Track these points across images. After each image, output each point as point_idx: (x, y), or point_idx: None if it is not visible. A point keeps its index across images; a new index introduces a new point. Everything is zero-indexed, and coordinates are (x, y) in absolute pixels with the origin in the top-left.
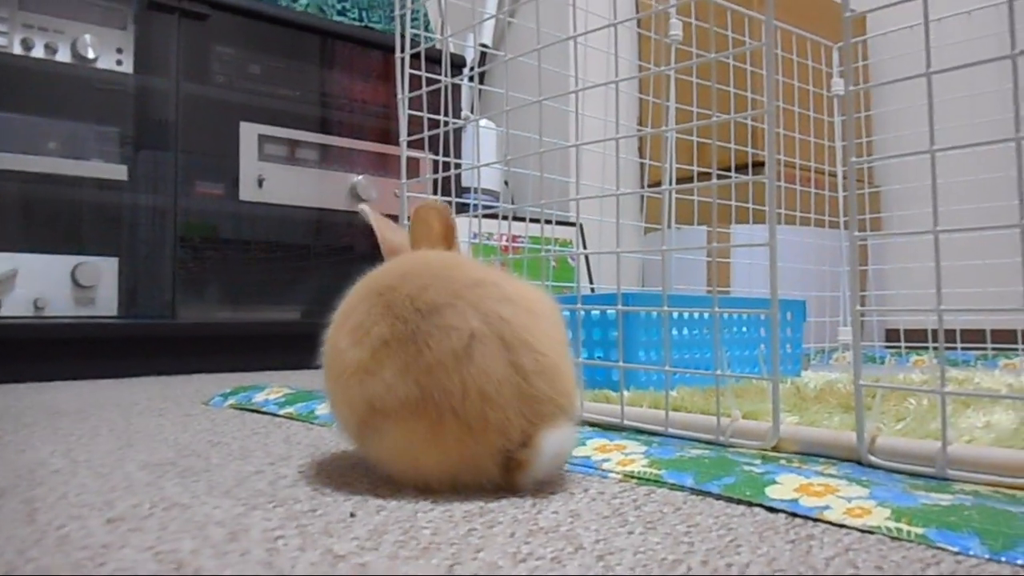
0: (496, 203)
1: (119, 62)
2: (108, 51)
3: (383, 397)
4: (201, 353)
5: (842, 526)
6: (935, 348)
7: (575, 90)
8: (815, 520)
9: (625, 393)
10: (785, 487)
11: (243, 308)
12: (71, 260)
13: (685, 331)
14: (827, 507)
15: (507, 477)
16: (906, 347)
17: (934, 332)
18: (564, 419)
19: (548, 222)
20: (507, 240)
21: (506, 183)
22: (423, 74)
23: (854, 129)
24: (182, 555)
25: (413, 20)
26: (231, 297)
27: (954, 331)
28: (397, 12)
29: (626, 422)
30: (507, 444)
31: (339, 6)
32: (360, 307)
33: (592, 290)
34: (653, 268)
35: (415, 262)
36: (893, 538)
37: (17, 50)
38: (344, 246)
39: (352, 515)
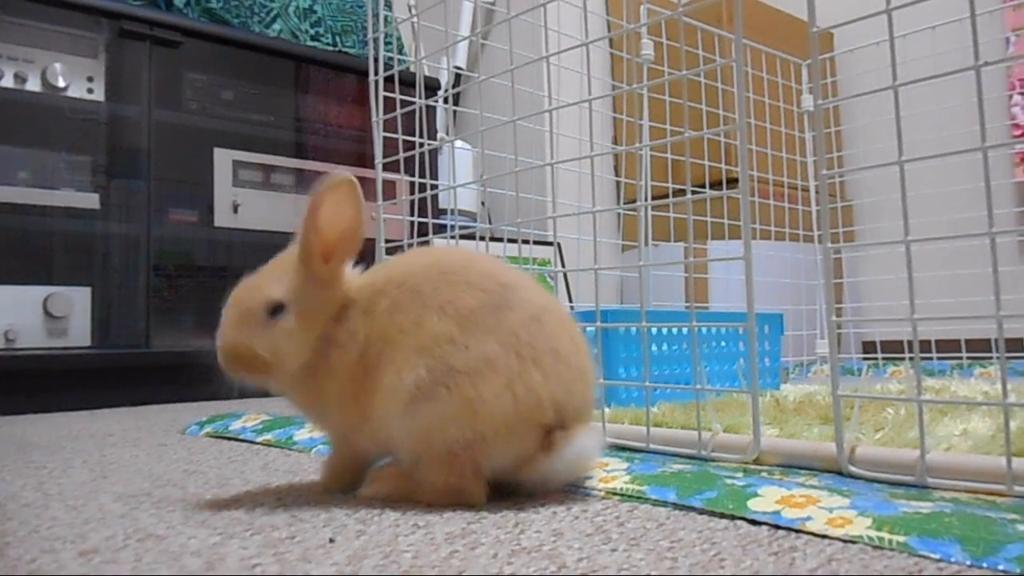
0: (473, 224)
1: (90, 90)
2: (79, 80)
3: (465, 358)
4: (176, 382)
5: (824, 536)
6: (911, 358)
7: (549, 109)
8: (797, 531)
9: (606, 410)
10: (767, 499)
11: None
12: (42, 291)
13: (665, 347)
14: (809, 518)
15: (537, 457)
16: (883, 359)
17: (910, 343)
18: (591, 420)
19: (526, 242)
20: None
21: (483, 204)
22: (397, 96)
23: (824, 143)
24: None
25: (387, 44)
26: (207, 325)
27: (929, 341)
28: (370, 36)
29: (608, 439)
30: (562, 409)
31: (312, 31)
32: (431, 287)
33: (571, 308)
34: (631, 285)
35: (446, 253)
36: (875, 547)
37: None
38: None
39: (331, 540)
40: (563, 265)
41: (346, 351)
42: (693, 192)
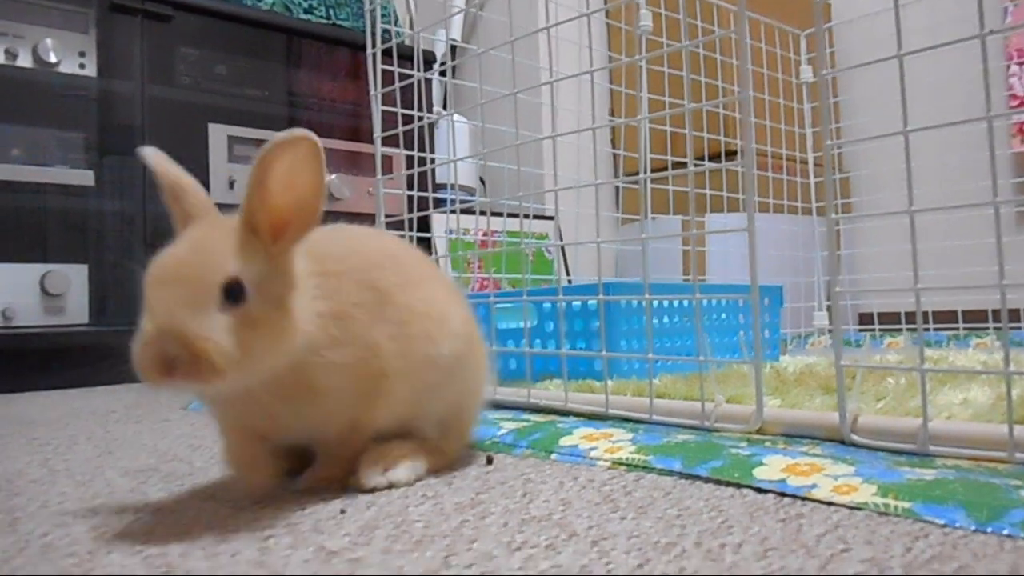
0: (465, 198)
1: (82, 66)
2: (71, 55)
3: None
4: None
5: (830, 503)
6: (914, 328)
7: (549, 81)
8: (803, 499)
9: (608, 382)
10: (772, 468)
11: None
12: (39, 268)
13: (665, 319)
14: (814, 486)
15: None
16: (880, 329)
17: (907, 314)
18: None
19: (526, 216)
20: (484, 235)
21: (481, 180)
22: (395, 69)
23: (829, 114)
24: (171, 558)
25: (383, 16)
26: None
27: (927, 312)
28: (367, 8)
29: (611, 411)
30: None
31: (305, 4)
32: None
33: (569, 282)
34: (628, 259)
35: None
36: (881, 513)
37: None
38: None
39: (342, 512)
40: (561, 239)
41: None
42: (695, 165)
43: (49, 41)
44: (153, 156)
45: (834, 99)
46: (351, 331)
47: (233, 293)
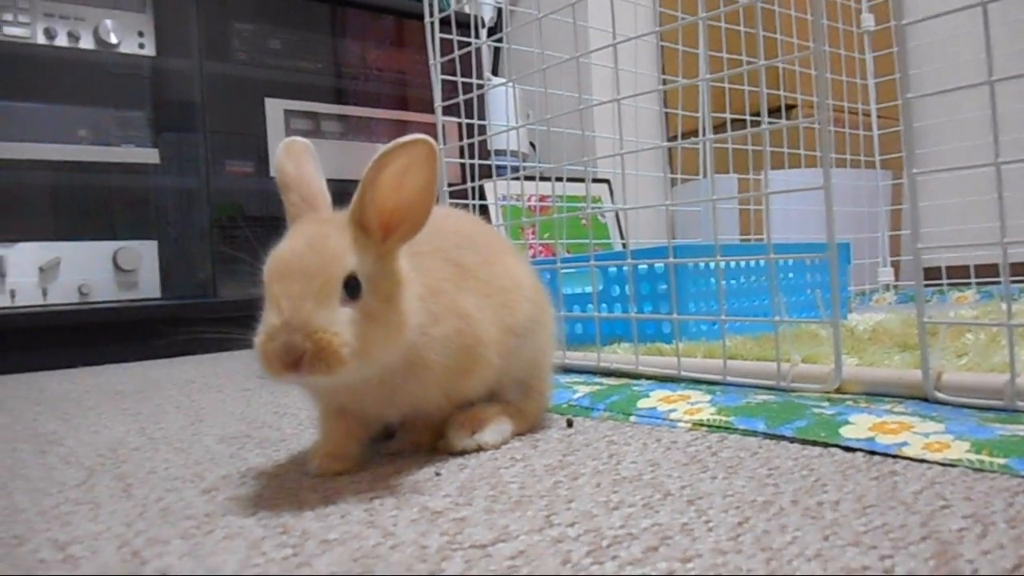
0: (527, 164)
1: (141, 45)
2: (130, 35)
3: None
4: (243, 329)
5: (923, 461)
6: (981, 283)
7: (611, 44)
8: (895, 456)
9: (679, 345)
10: (859, 427)
11: None
12: (112, 245)
13: (731, 281)
14: (905, 443)
15: None
16: (948, 284)
17: (976, 268)
18: None
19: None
20: (536, 200)
21: (532, 144)
22: (455, 38)
23: (906, 63)
24: (285, 519)
25: None
26: None
27: (995, 265)
28: None
29: (683, 373)
30: None
31: None
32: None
33: (624, 245)
34: (682, 220)
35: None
36: (976, 470)
37: (40, 40)
38: None
39: (437, 474)
40: (613, 202)
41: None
42: (754, 123)
43: (109, 22)
44: (285, 147)
45: (896, 48)
46: (445, 304)
47: (351, 288)
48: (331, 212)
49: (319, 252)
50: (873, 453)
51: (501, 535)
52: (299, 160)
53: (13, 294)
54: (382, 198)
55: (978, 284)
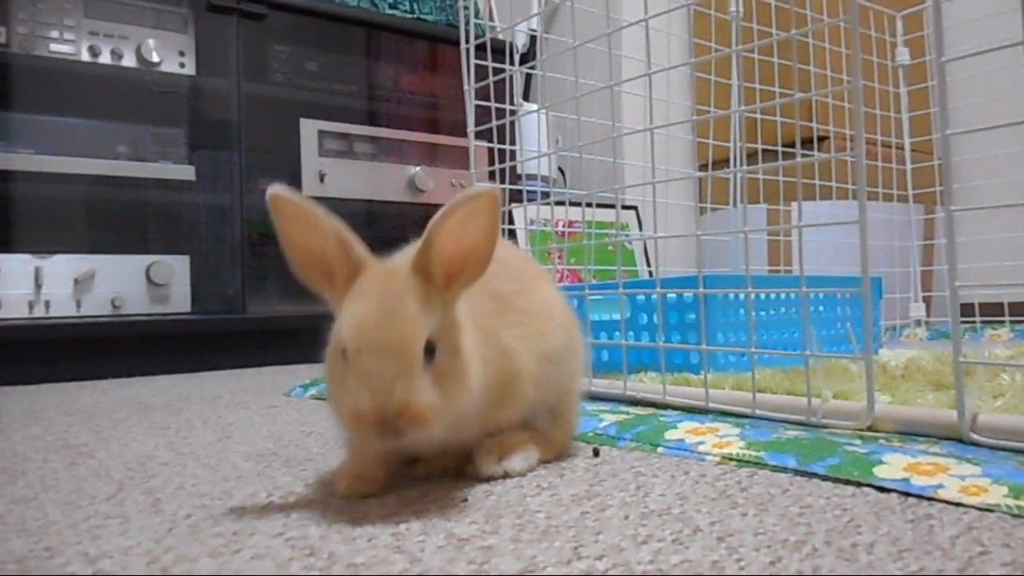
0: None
1: (182, 64)
2: (171, 54)
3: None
4: (270, 346)
5: (959, 504)
6: (1015, 321)
7: (648, 73)
8: (930, 499)
9: (708, 376)
10: (893, 467)
11: (308, 301)
12: (145, 259)
13: (761, 313)
14: (941, 486)
15: None
16: (981, 322)
17: (1011, 305)
18: None
19: (611, 206)
20: (563, 226)
21: (560, 169)
22: (489, 64)
23: (945, 98)
24: (312, 541)
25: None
26: (296, 291)
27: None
28: (460, 4)
29: (711, 404)
30: None
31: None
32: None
33: (650, 274)
34: (711, 249)
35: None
36: (1014, 515)
37: (85, 57)
38: (400, 237)
39: (464, 500)
40: (641, 230)
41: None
42: (785, 155)
43: (151, 41)
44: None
45: (931, 83)
46: (492, 345)
47: (428, 351)
48: (388, 267)
49: (400, 321)
50: (907, 495)
51: (529, 565)
52: (301, 220)
53: (48, 305)
54: (445, 245)
55: (1012, 322)
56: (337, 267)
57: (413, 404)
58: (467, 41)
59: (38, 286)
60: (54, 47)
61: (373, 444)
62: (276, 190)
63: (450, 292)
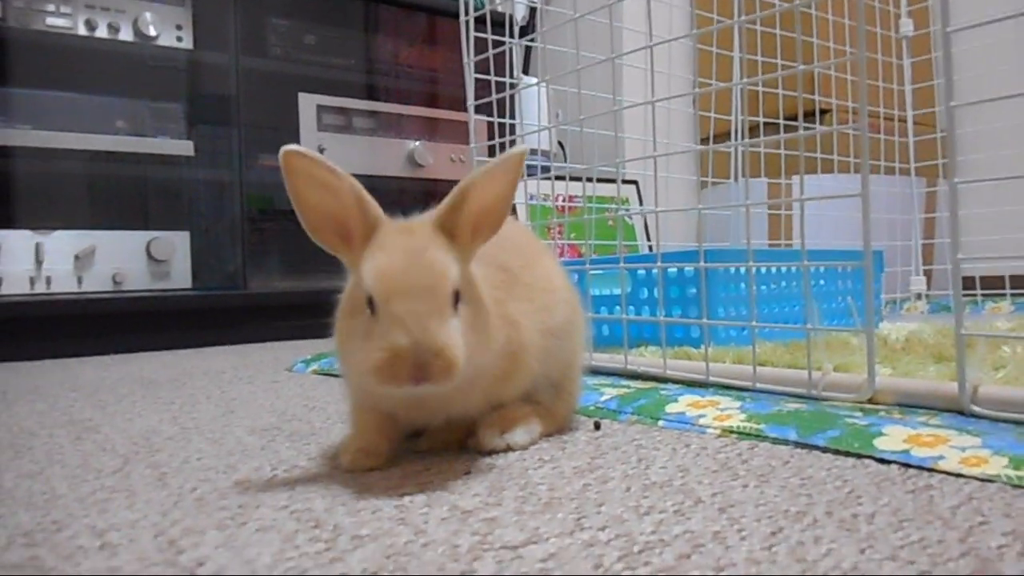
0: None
1: (179, 39)
2: (168, 28)
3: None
4: (271, 321)
5: (959, 475)
6: (1016, 293)
7: (648, 45)
8: (930, 470)
9: (708, 350)
10: (893, 438)
11: (309, 277)
12: (145, 235)
13: (762, 287)
14: (941, 457)
15: None
16: (982, 295)
17: (1012, 278)
18: None
19: (611, 181)
20: (564, 200)
21: (560, 144)
22: (489, 36)
23: (951, 70)
24: (317, 513)
25: None
26: (296, 267)
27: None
28: None
29: (712, 378)
30: None
31: None
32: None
33: (650, 248)
34: (710, 223)
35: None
36: (1015, 486)
37: (82, 31)
38: (400, 211)
39: (467, 473)
40: (641, 204)
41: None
42: (787, 128)
43: (148, 15)
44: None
45: (935, 54)
46: (500, 313)
47: (456, 299)
48: (409, 222)
49: (428, 268)
50: (908, 466)
51: (532, 536)
52: (316, 179)
53: (49, 281)
54: (476, 201)
55: (1013, 295)
56: (354, 225)
57: (447, 347)
58: (466, 14)
59: (39, 262)
60: (50, 21)
61: (398, 391)
62: (290, 148)
63: (469, 249)
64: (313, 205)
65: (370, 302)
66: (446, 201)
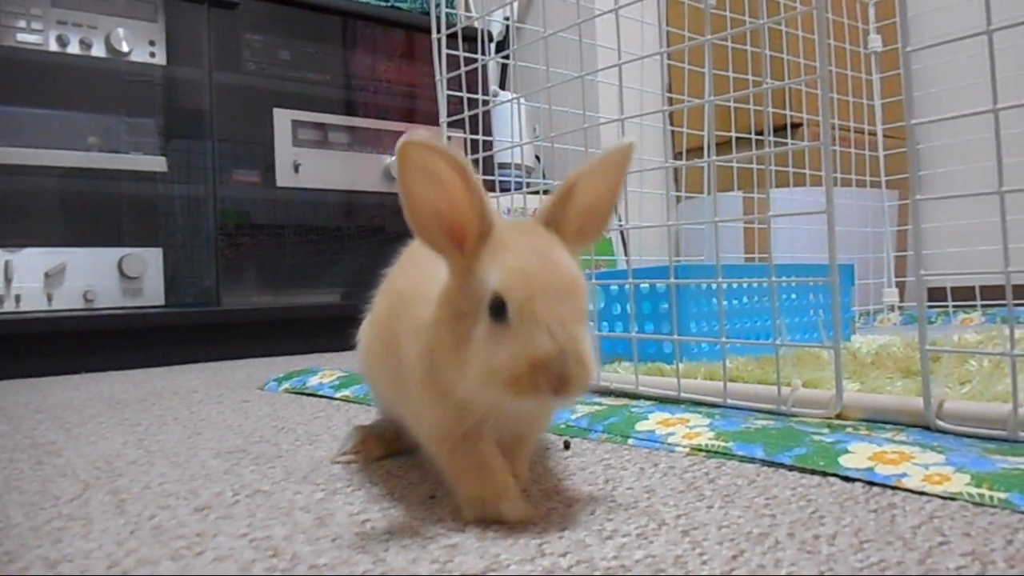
0: (532, 179)
1: (152, 54)
2: (141, 44)
3: None
4: (245, 339)
5: (922, 493)
6: (987, 305)
7: (617, 64)
8: (894, 488)
9: (679, 365)
10: (858, 456)
11: (284, 293)
12: (117, 252)
13: (734, 301)
14: (904, 475)
15: None
16: (953, 306)
17: (982, 289)
18: None
19: None
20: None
21: (537, 157)
22: (461, 54)
23: (911, 86)
24: (276, 542)
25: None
26: (272, 283)
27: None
28: None
29: (683, 394)
30: None
31: None
32: None
33: (627, 263)
34: (688, 236)
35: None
36: (976, 503)
37: (53, 47)
38: (377, 227)
39: (431, 497)
40: (618, 218)
41: None
42: (758, 143)
43: (121, 31)
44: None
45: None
46: None
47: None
48: (523, 222)
49: (565, 269)
50: (872, 484)
51: (492, 564)
52: (431, 173)
53: (18, 299)
54: (583, 197)
55: (983, 306)
56: (470, 226)
57: (589, 355)
58: (438, 31)
59: (8, 280)
60: (21, 37)
61: (533, 403)
62: (412, 136)
63: (574, 252)
64: (423, 200)
65: (495, 308)
66: (552, 197)
